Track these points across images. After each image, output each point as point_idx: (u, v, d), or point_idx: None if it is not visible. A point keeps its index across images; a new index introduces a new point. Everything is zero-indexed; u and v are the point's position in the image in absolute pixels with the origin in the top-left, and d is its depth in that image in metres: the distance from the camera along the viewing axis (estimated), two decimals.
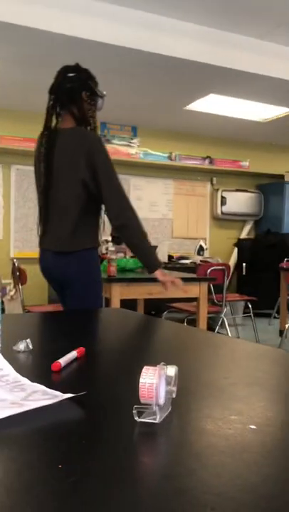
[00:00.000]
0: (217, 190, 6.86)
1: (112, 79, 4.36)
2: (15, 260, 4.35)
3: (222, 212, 6.84)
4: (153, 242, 2.69)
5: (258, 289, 5.87)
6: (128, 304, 3.05)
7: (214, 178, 6.88)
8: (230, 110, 5.37)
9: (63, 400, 0.71)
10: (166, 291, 2.30)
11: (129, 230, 2.13)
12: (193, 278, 3.52)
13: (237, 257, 6.79)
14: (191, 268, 5.34)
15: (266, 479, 0.50)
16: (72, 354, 0.97)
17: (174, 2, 3.54)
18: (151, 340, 1.34)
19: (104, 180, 2.08)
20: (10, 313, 3.92)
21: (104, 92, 2.26)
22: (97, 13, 3.58)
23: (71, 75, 2.16)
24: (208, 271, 4.40)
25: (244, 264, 6.56)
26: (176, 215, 6.70)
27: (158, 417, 0.64)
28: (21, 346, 1.05)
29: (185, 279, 2.58)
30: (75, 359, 0.98)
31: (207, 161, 6.57)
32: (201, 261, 5.81)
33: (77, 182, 2.09)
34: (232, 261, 6.85)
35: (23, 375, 0.83)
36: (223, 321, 4.66)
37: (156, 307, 5.08)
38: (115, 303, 3.12)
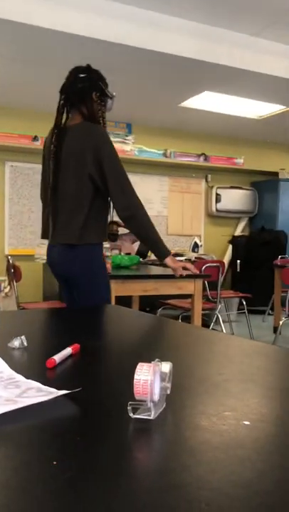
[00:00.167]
0: (212, 187, 6.86)
1: (106, 76, 4.32)
2: (9, 257, 4.34)
3: (217, 210, 6.84)
4: None
5: (252, 286, 5.88)
6: (123, 300, 3.05)
7: (209, 175, 6.88)
8: (224, 107, 5.37)
9: (58, 396, 0.71)
10: (178, 276, 2.46)
11: (138, 221, 2.17)
12: (188, 275, 3.52)
13: (231, 254, 6.80)
14: None
15: (260, 475, 0.50)
16: (67, 351, 0.97)
17: None
18: (146, 336, 1.34)
19: (110, 173, 2.10)
20: (4, 310, 3.91)
21: (114, 93, 2.30)
22: (92, 10, 3.56)
23: (82, 75, 2.21)
24: (203, 268, 4.41)
25: (238, 261, 6.57)
26: (171, 212, 6.70)
27: (152, 413, 0.64)
28: (16, 343, 1.05)
29: (179, 276, 2.59)
30: (70, 356, 0.98)
31: (202, 158, 6.56)
32: (195, 258, 5.81)
33: (85, 177, 2.11)
34: (226, 258, 6.86)
35: (17, 372, 0.83)
36: (217, 318, 4.68)
37: (151, 304, 5.08)
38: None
